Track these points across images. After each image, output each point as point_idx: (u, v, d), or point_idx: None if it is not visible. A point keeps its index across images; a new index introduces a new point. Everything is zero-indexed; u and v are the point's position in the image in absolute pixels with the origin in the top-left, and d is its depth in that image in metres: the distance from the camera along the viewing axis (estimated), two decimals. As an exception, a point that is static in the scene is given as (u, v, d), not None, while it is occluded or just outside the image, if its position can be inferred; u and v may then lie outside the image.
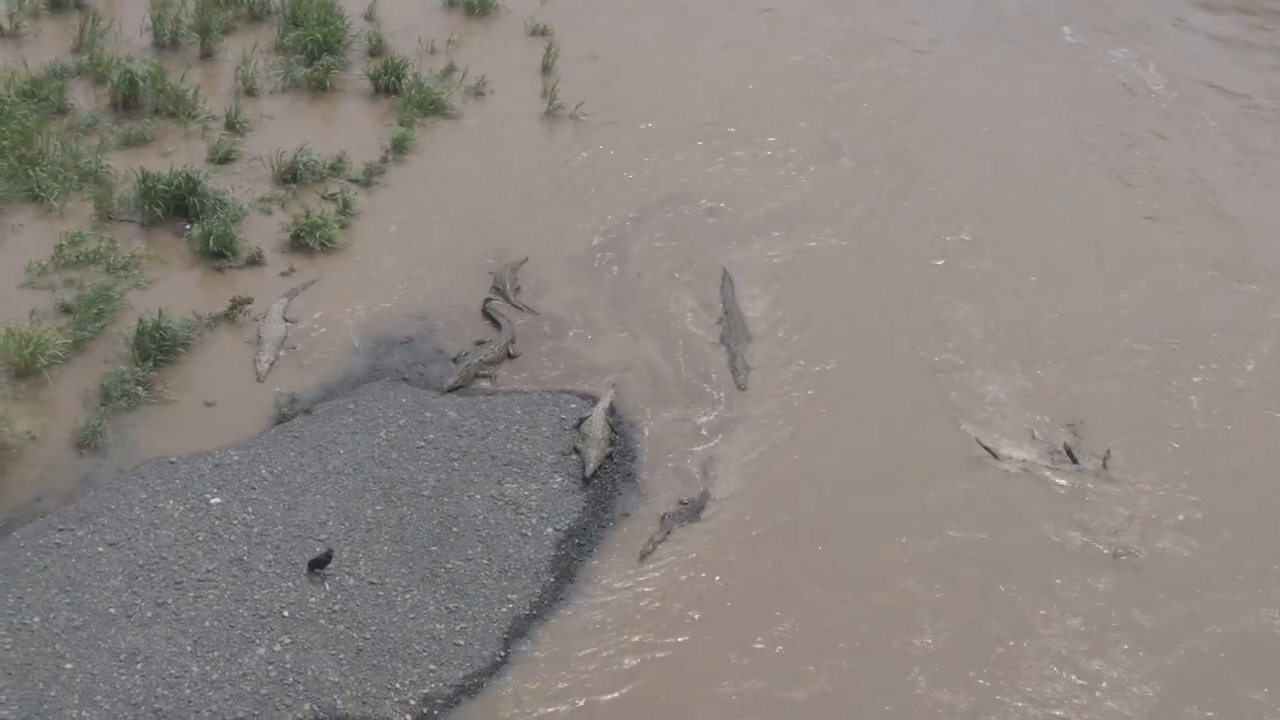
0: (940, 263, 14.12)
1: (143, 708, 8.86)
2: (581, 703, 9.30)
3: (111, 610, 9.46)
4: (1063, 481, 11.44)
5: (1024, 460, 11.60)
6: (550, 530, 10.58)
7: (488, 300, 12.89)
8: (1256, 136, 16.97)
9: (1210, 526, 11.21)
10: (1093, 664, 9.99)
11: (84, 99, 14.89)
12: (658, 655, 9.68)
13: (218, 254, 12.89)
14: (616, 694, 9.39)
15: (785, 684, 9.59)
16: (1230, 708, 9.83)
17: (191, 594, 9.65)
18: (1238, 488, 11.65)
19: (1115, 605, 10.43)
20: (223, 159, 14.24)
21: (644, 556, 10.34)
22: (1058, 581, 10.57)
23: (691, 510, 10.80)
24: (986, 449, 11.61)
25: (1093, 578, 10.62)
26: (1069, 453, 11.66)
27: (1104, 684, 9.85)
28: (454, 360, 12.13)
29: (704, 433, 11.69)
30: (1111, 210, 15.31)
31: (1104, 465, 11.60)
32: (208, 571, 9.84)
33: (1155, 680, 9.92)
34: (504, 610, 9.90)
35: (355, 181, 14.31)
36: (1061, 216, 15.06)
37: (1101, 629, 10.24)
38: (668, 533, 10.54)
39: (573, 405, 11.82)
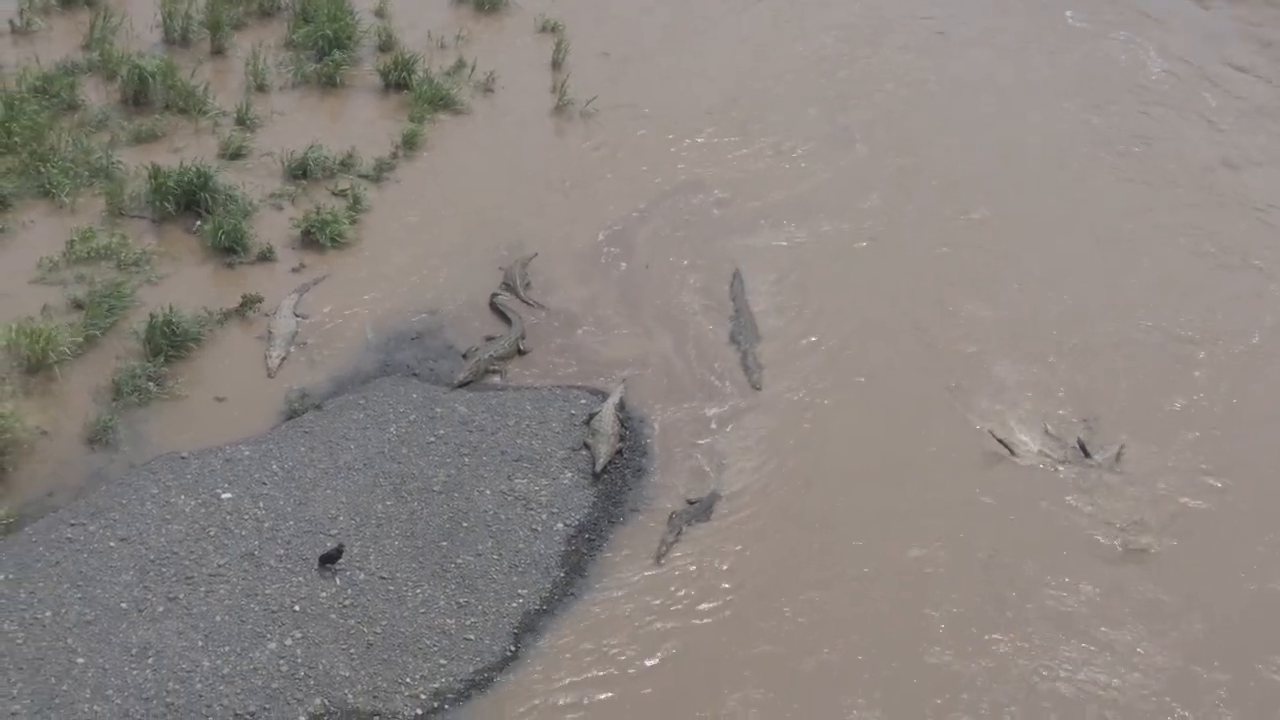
0: (949, 253, 14.14)
1: (154, 702, 8.87)
2: (592, 697, 9.29)
3: (123, 605, 9.47)
4: (1076, 476, 11.39)
5: (1038, 454, 11.56)
6: (560, 525, 10.57)
7: (495, 295, 12.88)
8: (1257, 118, 17.08)
9: (1224, 509, 11.24)
10: (1106, 637, 10.08)
11: (95, 95, 14.92)
12: (668, 649, 9.67)
13: (229, 250, 12.90)
14: (627, 688, 9.38)
15: (797, 674, 9.57)
16: (1246, 673, 9.94)
17: (203, 589, 9.66)
18: (1249, 467, 11.70)
19: (1130, 587, 10.50)
20: (233, 155, 14.25)
21: (659, 559, 10.29)
22: (1073, 569, 10.58)
23: (701, 508, 10.76)
24: (1001, 443, 11.57)
25: (1106, 566, 10.62)
26: (1082, 447, 11.61)
27: (1120, 653, 9.96)
28: (464, 356, 12.13)
29: (714, 427, 11.67)
30: (1115, 193, 15.40)
31: (1117, 459, 11.55)
32: (219, 566, 9.85)
33: (1172, 650, 10.03)
34: (514, 605, 9.89)
35: (365, 177, 14.31)
36: (1067, 201, 15.16)
37: (1116, 608, 10.32)
38: (678, 534, 10.49)
39: (583, 401, 11.80)
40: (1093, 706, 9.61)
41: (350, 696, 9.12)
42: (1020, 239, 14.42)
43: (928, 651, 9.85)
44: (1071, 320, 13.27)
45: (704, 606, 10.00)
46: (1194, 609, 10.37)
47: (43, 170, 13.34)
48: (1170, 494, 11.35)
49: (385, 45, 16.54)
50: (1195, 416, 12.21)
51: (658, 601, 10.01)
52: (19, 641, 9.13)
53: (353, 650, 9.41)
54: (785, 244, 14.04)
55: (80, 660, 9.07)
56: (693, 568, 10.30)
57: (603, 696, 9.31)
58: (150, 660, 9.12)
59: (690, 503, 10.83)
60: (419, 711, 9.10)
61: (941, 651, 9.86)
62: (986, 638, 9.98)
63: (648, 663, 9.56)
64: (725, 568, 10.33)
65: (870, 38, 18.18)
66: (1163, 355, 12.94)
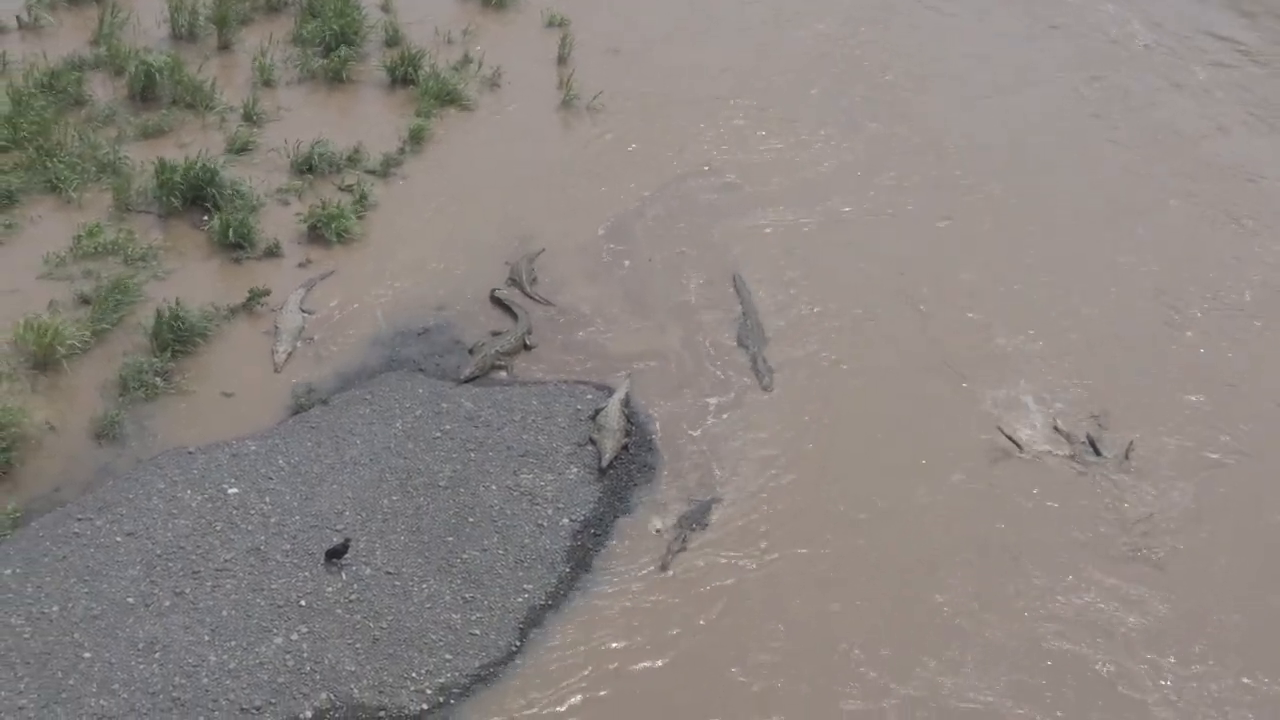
0: (953, 234, 14.28)
1: (160, 696, 8.89)
2: (596, 693, 9.28)
3: (130, 599, 9.49)
4: (1086, 472, 11.36)
5: (1047, 451, 11.53)
6: (566, 521, 10.56)
7: (495, 290, 12.85)
8: (1243, 85, 17.65)
9: (1236, 491, 11.37)
10: (1115, 590, 10.35)
11: (102, 90, 14.95)
12: (672, 646, 9.65)
13: (235, 245, 12.90)
14: (631, 684, 9.37)
15: (803, 674, 9.54)
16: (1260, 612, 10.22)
17: (209, 583, 9.68)
18: (1258, 445, 11.84)
19: (1139, 573, 10.62)
20: (240, 150, 14.25)
21: (664, 567, 10.25)
22: (1081, 558, 10.63)
23: (699, 511, 10.69)
24: (1010, 439, 11.54)
25: (1115, 558, 10.66)
26: (1092, 443, 11.57)
27: (1129, 601, 10.22)
28: (470, 351, 12.13)
29: (720, 423, 11.63)
30: (1109, 163, 15.88)
31: (1127, 456, 11.52)
32: (225, 561, 9.86)
33: (1180, 601, 10.31)
34: (520, 600, 9.89)
35: (372, 173, 14.30)
36: (1064, 173, 15.57)
37: (1125, 584, 10.49)
38: (684, 540, 10.45)
39: (589, 396, 11.78)
40: (1098, 643, 9.86)
41: (356, 691, 9.13)
42: (1022, 214, 14.71)
43: (933, 628, 9.94)
44: (1077, 297, 13.50)
45: (709, 603, 9.98)
46: (1205, 578, 10.57)
47: (50, 166, 13.36)
48: (1180, 485, 11.38)
49: (391, 40, 16.55)
50: (1201, 388, 12.41)
51: (662, 597, 10.00)
52: (26, 636, 9.15)
53: (358, 645, 9.41)
54: (793, 230, 14.15)
55: (87, 654, 9.08)
56: (699, 563, 10.28)
57: (607, 692, 9.29)
58: (157, 655, 9.14)
59: (693, 500, 10.78)
60: (424, 706, 9.11)
61: (946, 625, 9.99)
62: (991, 615, 10.09)
63: (651, 659, 9.54)
64: (731, 564, 10.30)
65: (869, 21, 18.52)
66: (1163, 323, 13.23)
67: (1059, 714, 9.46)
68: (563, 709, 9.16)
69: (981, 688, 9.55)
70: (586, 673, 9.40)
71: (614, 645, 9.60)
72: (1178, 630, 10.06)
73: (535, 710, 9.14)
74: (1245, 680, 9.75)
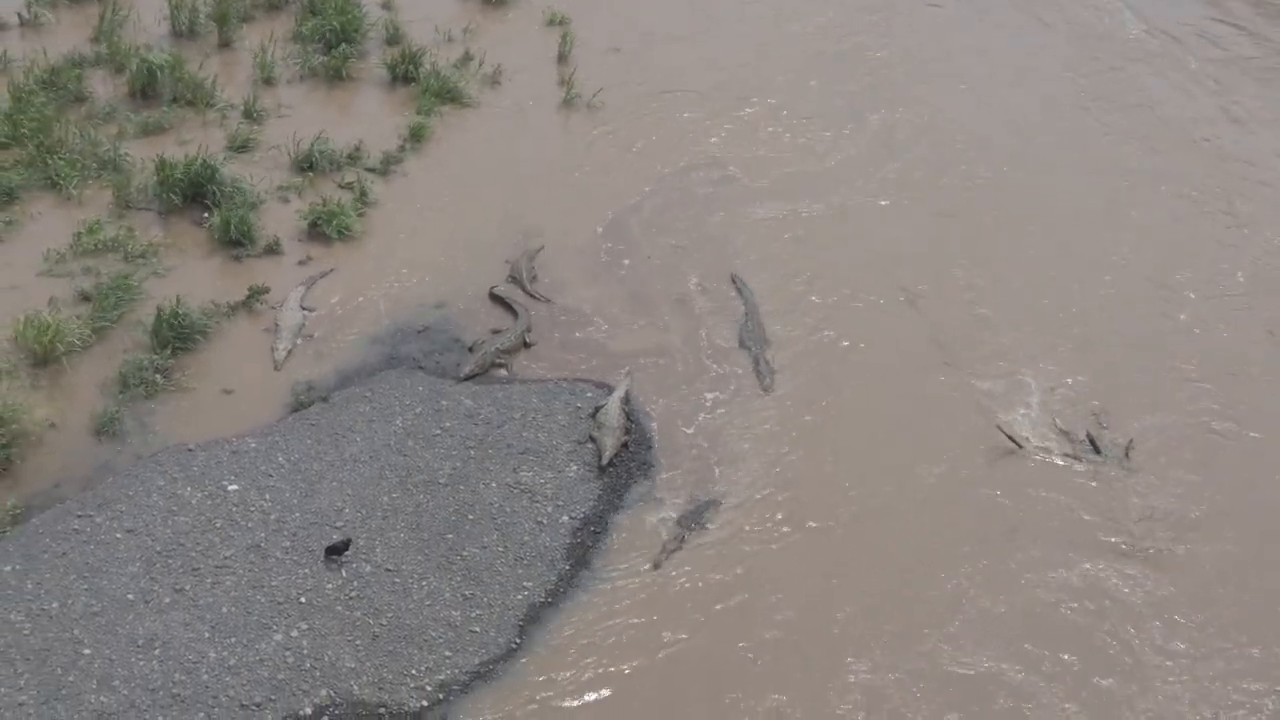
0: (954, 233, 14.28)
1: (160, 693, 8.90)
2: (596, 691, 9.28)
3: (129, 596, 9.49)
4: (1086, 471, 11.36)
5: (1047, 449, 11.52)
6: (566, 518, 10.56)
7: (494, 287, 12.85)
8: (1236, 74, 17.96)
9: (1237, 487, 11.40)
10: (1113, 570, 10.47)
11: (102, 88, 14.96)
12: (673, 643, 9.65)
13: (236, 242, 12.91)
14: (632, 680, 9.37)
15: (800, 673, 9.54)
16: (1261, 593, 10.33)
17: (209, 580, 9.68)
18: (1261, 439, 11.96)
19: (1138, 571, 10.65)
20: (240, 147, 14.25)
21: (657, 565, 10.24)
22: (1083, 556, 10.63)
23: (701, 506, 10.68)
24: (1010, 438, 11.53)
25: (1116, 555, 10.67)
26: (1092, 442, 11.57)
27: (1134, 586, 10.33)
28: (470, 349, 12.13)
29: (720, 420, 11.63)
30: (1105, 151, 16.04)
31: (1127, 455, 11.52)
32: (225, 558, 9.86)
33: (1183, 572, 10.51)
34: (519, 597, 9.89)
35: (372, 170, 14.30)
36: (1063, 163, 15.74)
37: (1125, 576, 10.55)
38: (681, 538, 10.45)
39: (589, 394, 11.78)
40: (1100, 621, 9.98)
41: (356, 688, 9.13)
42: (1022, 208, 14.79)
43: (935, 618, 10.00)
44: (1076, 290, 13.56)
45: (710, 599, 9.98)
46: (1208, 563, 10.64)
47: (50, 163, 13.36)
48: (1182, 473, 11.42)
49: (392, 38, 16.55)
50: (1201, 376, 12.48)
51: (662, 595, 10.00)
52: (26, 632, 9.16)
53: (358, 642, 9.42)
54: (793, 224, 14.15)
55: (87, 651, 9.09)
56: (700, 558, 10.28)
57: (607, 690, 9.28)
58: (157, 651, 9.14)
59: (690, 501, 10.77)
60: (424, 703, 9.11)
61: (948, 612, 10.05)
62: (994, 602, 10.15)
63: (651, 656, 9.54)
64: (730, 562, 10.30)
65: (866, 17, 18.60)
66: (1162, 315, 13.32)
67: (1058, 687, 9.50)
68: (563, 706, 9.17)
69: (981, 656, 9.67)
70: (587, 669, 9.39)
71: (614, 641, 9.61)
72: (1181, 609, 10.12)
73: (535, 707, 9.14)
74: (1252, 653, 9.84)
